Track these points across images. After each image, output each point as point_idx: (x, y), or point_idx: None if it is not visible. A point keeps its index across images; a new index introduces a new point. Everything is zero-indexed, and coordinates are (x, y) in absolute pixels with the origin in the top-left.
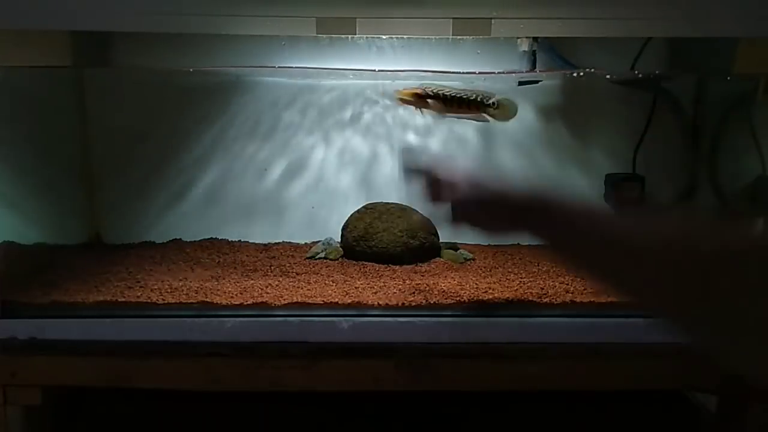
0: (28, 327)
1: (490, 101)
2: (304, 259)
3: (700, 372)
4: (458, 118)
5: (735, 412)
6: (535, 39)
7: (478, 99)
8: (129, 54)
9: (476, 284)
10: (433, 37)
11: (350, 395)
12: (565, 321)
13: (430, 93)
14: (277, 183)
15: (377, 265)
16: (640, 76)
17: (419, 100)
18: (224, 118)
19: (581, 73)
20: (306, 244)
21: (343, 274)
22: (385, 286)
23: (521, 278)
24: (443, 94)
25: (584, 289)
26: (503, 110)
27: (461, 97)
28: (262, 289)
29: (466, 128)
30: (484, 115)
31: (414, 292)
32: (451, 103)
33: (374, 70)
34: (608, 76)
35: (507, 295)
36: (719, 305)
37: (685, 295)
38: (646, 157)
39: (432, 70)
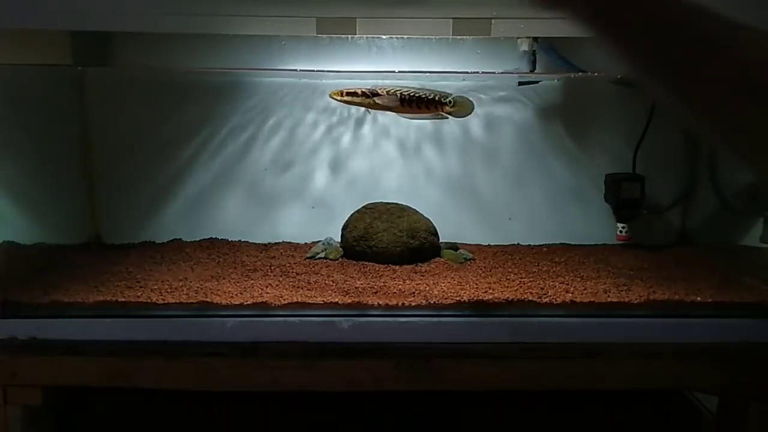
0: (28, 327)
1: (447, 99)
2: (304, 259)
3: (700, 372)
4: (416, 118)
5: (735, 412)
6: (535, 39)
7: (436, 98)
8: (129, 54)
9: (476, 284)
10: (433, 37)
11: (350, 395)
12: (565, 321)
13: (379, 92)
14: (278, 183)
15: (377, 265)
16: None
17: (356, 99)
18: (224, 117)
19: (578, 74)
20: (306, 244)
21: (343, 274)
22: (385, 286)
23: (521, 278)
24: (400, 93)
25: (584, 289)
26: (460, 108)
27: (419, 96)
28: (262, 289)
29: (468, 127)
30: (442, 113)
31: (414, 292)
32: (409, 103)
33: (394, 71)
34: (598, 75)
35: (507, 295)
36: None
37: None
38: (646, 157)
39: (432, 70)
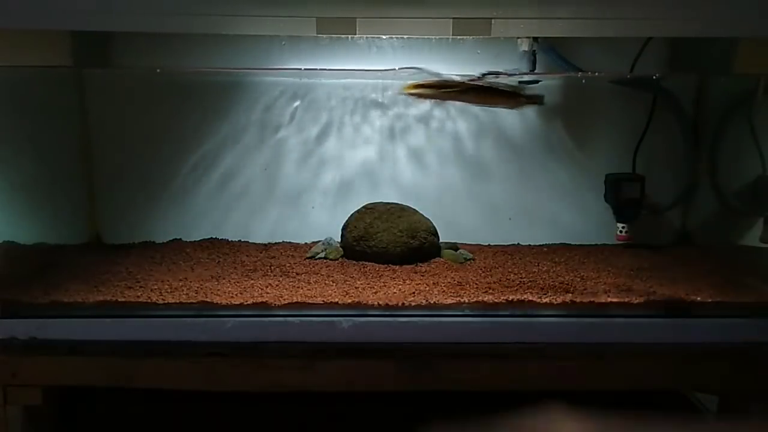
0: (28, 327)
1: (523, 91)
2: (304, 259)
3: (700, 372)
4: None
5: (735, 412)
6: (535, 39)
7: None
8: (129, 54)
9: (476, 284)
10: (433, 37)
11: (350, 395)
12: (565, 321)
13: (449, 83)
14: (277, 183)
15: (377, 265)
16: (640, 77)
17: (429, 91)
18: (224, 117)
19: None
20: (306, 244)
21: (343, 274)
22: (385, 286)
23: (521, 278)
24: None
25: (584, 289)
26: (533, 99)
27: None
28: (262, 289)
29: (467, 128)
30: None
31: (414, 292)
32: (485, 94)
33: (394, 69)
34: (598, 75)
35: (507, 295)
36: None
37: None
38: (646, 157)
39: (432, 71)
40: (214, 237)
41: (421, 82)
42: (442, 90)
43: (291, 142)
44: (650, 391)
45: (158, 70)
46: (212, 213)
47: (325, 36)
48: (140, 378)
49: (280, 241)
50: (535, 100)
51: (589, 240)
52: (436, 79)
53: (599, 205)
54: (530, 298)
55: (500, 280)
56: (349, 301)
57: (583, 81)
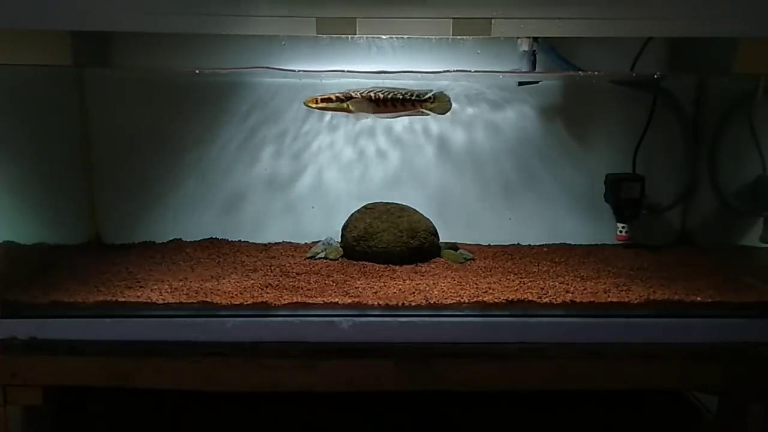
0: (28, 327)
1: (426, 96)
2: (304, 259)
3: (700, 372)
4: (395, 116)
5: (735, 412)
6: (535, 39)
7: (413, 96)
8: (129, 54)
9: (476, 284)
10: (433, 37)
11: (350, 395)
12: (565, 321)
13: (353, 95)
14: (277, 183)
15: (377, 265)
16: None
17: (330, 104)
18: (224, 117)
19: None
20: (306, 244)
21: (343, 274)
22: (385, 286)
23: (521, 278)
24: (375, 94)
25: (584, 289)
26: (440, 104)
27: (395, 96)
28: (262, 289)
29: (469, 128)
30: (422, 110)
31: (414, 292)
32: (384, 103)
33: (396, 71)
34: (598, 75)
35: (507, 295)
36: None
37: None
38: (646, 157)
39: (432, 70)
40: (214, 237)
41: (322, 96)
42: (343, 103)
43: (290, 142)
44: (650, 391)
45: (197, 71)
46: (212, 213)
47: (325, 36)
48: (140, 378)
49: (280, 241)
50: (444, 104)
51: (589, 240)
52: (339, 92)
53: (599, 205)
54: (530, 298)
55: (500, 280)
56: (349, 301)
57: (594, 81)
